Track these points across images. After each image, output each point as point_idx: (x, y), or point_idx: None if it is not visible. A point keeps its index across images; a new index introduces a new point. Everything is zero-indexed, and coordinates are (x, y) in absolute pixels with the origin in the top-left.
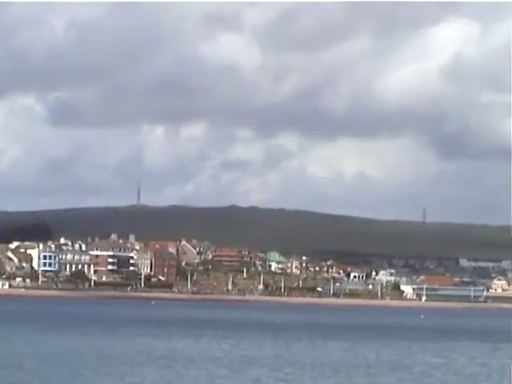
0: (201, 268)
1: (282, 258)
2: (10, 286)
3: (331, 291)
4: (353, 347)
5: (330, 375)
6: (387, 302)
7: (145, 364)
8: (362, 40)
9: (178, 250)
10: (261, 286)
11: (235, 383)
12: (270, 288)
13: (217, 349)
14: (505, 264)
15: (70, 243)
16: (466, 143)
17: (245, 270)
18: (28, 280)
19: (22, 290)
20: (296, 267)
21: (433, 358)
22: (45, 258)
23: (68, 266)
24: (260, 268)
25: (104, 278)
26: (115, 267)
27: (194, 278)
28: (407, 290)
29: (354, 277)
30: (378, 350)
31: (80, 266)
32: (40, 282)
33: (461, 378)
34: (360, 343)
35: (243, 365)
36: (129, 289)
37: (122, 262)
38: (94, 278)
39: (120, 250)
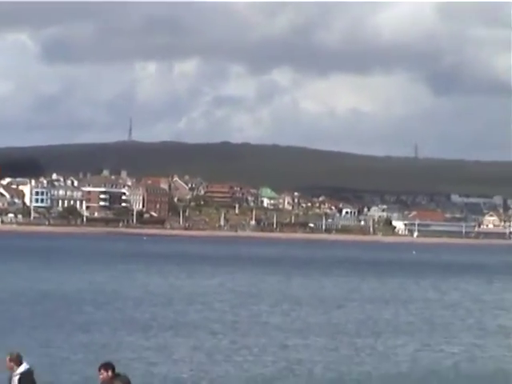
0: (193, 204)
1: (274, 194)
2: (1, 221)
3: (323, 227)
4: (347, 282)
5: (327, 310)
6: (379, 237)
7: (142, 300)
8: None
9: (170, 185)
10: (253, 222)
11: (235, 318)
12: (261, 224)
13: (213, 284)
14: (496, 200)
15: (61, 179)
16: (460, 79)
17: (237, 206)
18: (20, 216)
19: (14, 225)
20: (288, 203)
21: (427, 293)
22: (37, 193)
23: (60, 201)
24: (252, 204)
25: (96, 214)
26: (107, 203)
27: (186, 213)
28: (399, 225)
29: (346, 213)
30: (373, 285)
31: (72, 202)
32: (32, 217)
33: (456, 313)
34: (354, 279)
35: (241, 300)
36: (121, 225)
37: (114, 198)
38: (86, 213)
39: (112, 186)
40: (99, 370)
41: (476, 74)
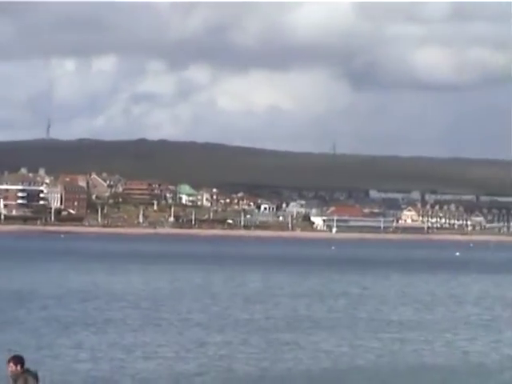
0: (111, 201)
1: (192, 191)
2: None
3: (242, 223)
4: (268, 278)
5: (248, 306)
6: (298, 233)
7: (61, 298)
8: None
9: (88, 183)
10: (171, 219)
11: (156, 315)
12: (180, 220)
13: (133, 281)
14: (414, 195)
15: None
16: (377, 75)
17: (155, 203)
18: None
19: None
20: (206, 199)
21: (348, 288)
22: None
23: None
24: (170, 201)
25: (14, 212)
26: (25, 201)
27: (105, 211)
28: (317, 221)
29: (265, 209)
30: (293, 280)
31: None
32: None
33: (377, 308)
34: (274, 275)
35: (162, 297)
36: (39, 222)
37: (32, 196)
38: (3, 212)
39: (30, 184)
40: (8, 362)
41: (392, 71)
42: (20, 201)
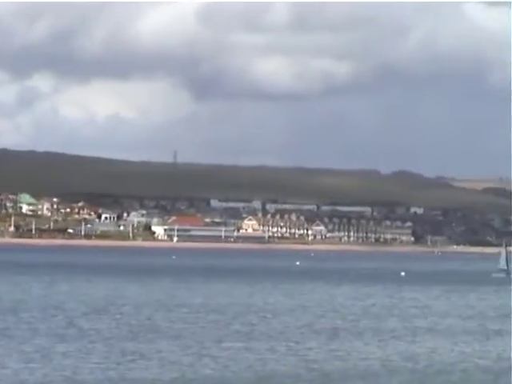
0: None
1: (33, 200)
2: None
3: (82, 232)
4: (111, 288)
5: (95, 316)
6: (139, 242)
7: None
8: None
9: None
10: (11, 228)
11: (6, 325)
12: (20, 230)
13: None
14: (255, 204)
15: None
16: (220, 84)
17: None
18: None
19: None
20: (47, 209)
21: (194, 297)
22: None
23: None
24: (11, 210)
25: None
26: None
27: None
28: (159, 230)
29: (106, 218)
30: (138, 290)
31: None
32: None
33: (217, 317)
34: (119, 284)
35: (5, 307)
36: None
37: None
38: None
39: None
40: None
41: (234, 80)
42: None
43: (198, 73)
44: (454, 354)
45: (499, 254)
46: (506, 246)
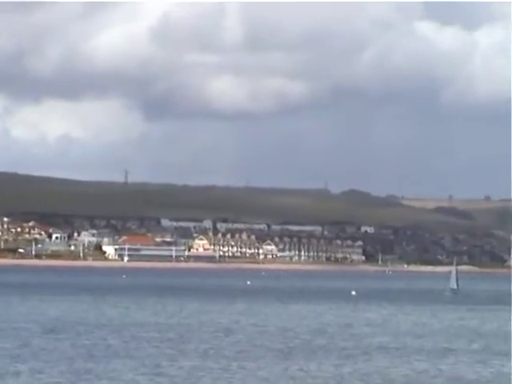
0: None
1: None
2: None
3: (33, 252)
4: (70, 307)
5: (52, 335)
6: (89, 262)
7: None
8: (71, 1)
9: None
10: None
11: None
12: None
13: None
14: (206, 223)
15: None
16: (172, 104)
17: None
18: None
19: None
20: None
21: (150, 316)
22: None
23: None
24: None
25: None
26: None
27: None
28: (109, 250)
29: (56, 238)
30: (92, 309)
31: None
32: None
33: (191, 334)
34: (70, 303)
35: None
36: None
37: None
38: None
39: None
40: None
41: (187, 100)
42: None
43: (150, 93)
44: (407, 372)
45: (450, 272)
46: (457, 265)
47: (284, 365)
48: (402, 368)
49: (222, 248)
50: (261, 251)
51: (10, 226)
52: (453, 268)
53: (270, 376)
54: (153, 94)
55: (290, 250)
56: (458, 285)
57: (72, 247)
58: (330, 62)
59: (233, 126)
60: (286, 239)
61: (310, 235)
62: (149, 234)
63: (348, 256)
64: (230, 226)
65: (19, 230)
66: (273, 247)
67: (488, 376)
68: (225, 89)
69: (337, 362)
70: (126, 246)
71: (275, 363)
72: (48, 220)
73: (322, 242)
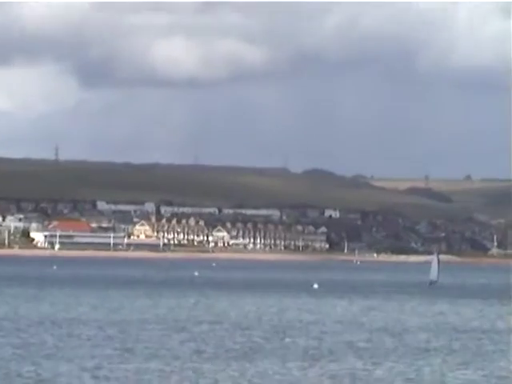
0: None
1: None
2: None
3: None
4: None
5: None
6: (15, 250)
7: None
8: None
9: None
10: None
11: None
12: None
13: None
14: (148, 207)
15: None
16: (111, 70)
17: None
18: None
19: None
20: None
21: (91, 312)
22: None
23: None
24: None
25: None
26: None
27: None
28: (38, 237)
29: None
30: (22, 303)
31: None
32: None
33: (133, 328)
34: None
35: None
36: None
37: None
38: None
39: None
40: None
41: (130, 65)
42: None
43: (86, 58)
44: (380, 373)
45: (426, 262)
46: (438, 254)
47: (245, 365)
48: (376, 370)
49: (166, 235)
50: (211, 238)
51: None
52: (434, 257)
53: (227, 379)
54: (90, 59)
55: (243, 237)
56: (438, 277)
57: None
58: (292, 26)
59: (180, 96)
60: (240, 225)
61: (267, 220)
62: (83, 219)
63: (310, 244)
64: (175, 209)
65: None
66: (224, 234)
67: (470, 379)
68: (172, 53)
69: (299, 362)
70: (57, 233)
71: (234, 364)
72: None
73: (281, 227)
